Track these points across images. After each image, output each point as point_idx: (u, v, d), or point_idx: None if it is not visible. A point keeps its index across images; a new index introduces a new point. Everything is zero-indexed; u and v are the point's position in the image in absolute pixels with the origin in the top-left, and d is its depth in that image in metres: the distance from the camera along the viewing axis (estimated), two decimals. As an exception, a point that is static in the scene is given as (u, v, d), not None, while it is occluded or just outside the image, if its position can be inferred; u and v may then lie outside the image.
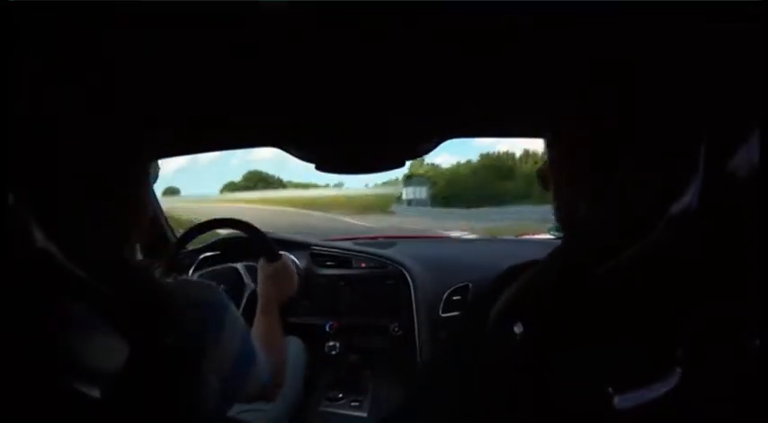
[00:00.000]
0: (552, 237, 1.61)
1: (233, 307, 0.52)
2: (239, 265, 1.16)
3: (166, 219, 1.38)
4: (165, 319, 0.40)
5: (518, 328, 0.32)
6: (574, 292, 0.30)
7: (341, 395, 1.09)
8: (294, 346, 1.21)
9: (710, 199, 0.25)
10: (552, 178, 0.44)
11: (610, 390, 0.26)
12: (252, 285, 1.13)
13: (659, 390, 0.25)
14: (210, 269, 1.22)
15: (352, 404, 1.07)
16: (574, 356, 0.29)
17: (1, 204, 0.30)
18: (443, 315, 1.26)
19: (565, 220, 0.43)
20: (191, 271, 1.26)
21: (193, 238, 1.21)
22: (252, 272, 1.15)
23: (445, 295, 1.28)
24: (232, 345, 0.50)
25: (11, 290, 0.31)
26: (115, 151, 0.45)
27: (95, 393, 0.33)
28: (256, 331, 0.71)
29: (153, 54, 0.41)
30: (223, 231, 1.31)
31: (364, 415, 1.03)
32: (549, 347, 0.30)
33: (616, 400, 0.26)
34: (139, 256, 1.15)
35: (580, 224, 0.39)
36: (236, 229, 1.19)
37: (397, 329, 1.25)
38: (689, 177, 0.26)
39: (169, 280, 0.52)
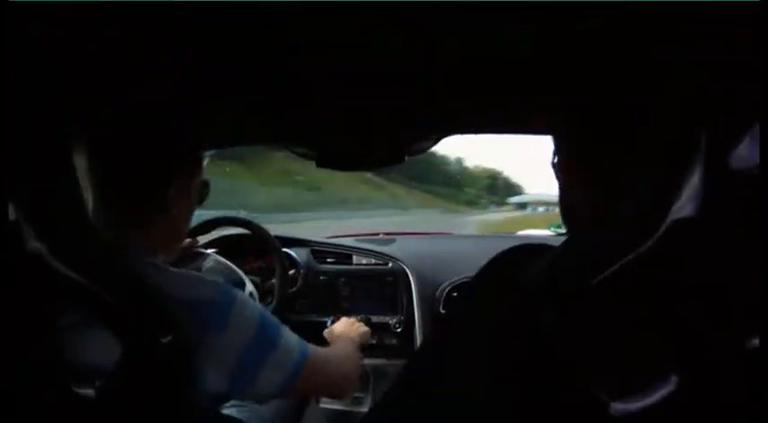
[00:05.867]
0: (553, 233, 1.61)
1: (239, 300, 0.51)
2: (248, 284, 1.09)
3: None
4: (160, 319, 0.40)
5: (518, 327, 0.31)
6: (576, 292, 0.29)
7: (342, 391, 1.09)
8: None
9: (714, 201, 0.25)
10: (558, 175, 0.44)
11: (610, 393, 0.26)
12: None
13: (659, 394, 0.25)
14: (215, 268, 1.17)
15: (353, 400, 1.07)
16: (574, 358, 0.29)
17: (2, 205, 0.29)
18: (444, 311, 1.26)
19: (569, 218, 0.43)
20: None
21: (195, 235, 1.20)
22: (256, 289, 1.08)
23: (446, 291, 1.28)
24: (237, 339, 0.49)
25: (13, 291, 0.31)
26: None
27: (90, 393, 0.33)
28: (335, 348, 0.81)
29: (155, 52, 0.40)
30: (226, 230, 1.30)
31: (365, 411, 1.03)
32: (550, 347, 0.30)
33: (615, 404, 0.25)
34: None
35: (583, 223, 0.39)
36: (241, 227, 1.18)
37: (397, 326, 1.26)
38: (691, 179, 0.26)
39: (173, 272, 0.50)
